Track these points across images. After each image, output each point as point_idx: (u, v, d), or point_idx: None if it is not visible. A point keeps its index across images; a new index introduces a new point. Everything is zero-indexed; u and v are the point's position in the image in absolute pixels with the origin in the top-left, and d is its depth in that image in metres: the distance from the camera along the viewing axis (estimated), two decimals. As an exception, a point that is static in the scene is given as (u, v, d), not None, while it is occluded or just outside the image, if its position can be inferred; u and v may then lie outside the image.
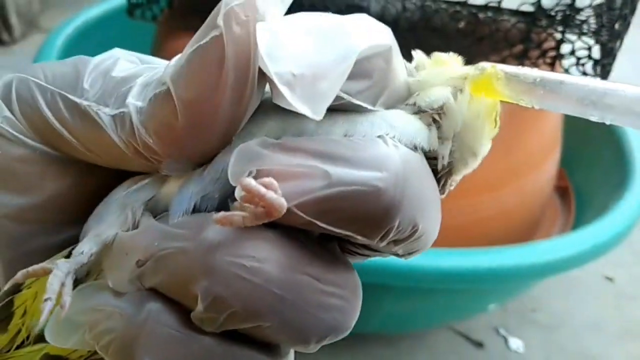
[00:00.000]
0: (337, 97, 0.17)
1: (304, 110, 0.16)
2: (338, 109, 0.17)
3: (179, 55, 0.17)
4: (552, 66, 0.70)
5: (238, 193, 0.16)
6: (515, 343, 0.99)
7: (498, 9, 0.71)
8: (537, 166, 0.92)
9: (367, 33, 0.17)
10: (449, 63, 0.19)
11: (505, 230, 0.89)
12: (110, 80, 0.18)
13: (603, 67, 0.68)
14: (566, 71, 0.76)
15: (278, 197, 0.16)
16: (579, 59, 0.70)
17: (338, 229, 0.16)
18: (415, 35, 0.71)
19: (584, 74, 0.70)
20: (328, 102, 0.16)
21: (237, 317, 0.16)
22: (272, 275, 0.16)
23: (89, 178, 0.20)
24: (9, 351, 0.20)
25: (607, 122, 0.17)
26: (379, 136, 0.17)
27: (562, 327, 1.04)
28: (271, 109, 0.17)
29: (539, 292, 1.07)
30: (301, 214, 0.16)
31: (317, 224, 0.16)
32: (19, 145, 0.19)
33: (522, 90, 0.18)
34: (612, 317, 1.07)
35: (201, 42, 0.16)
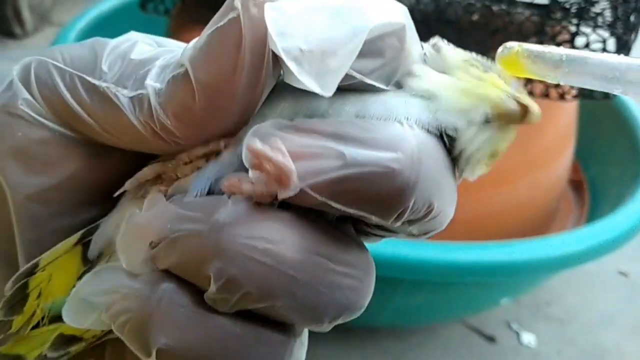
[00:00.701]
0: (349, 77, 0.17)
1: (312, 85, 0.16)
2: (350, 88, 0.17)
3: (197, 38, 0.17)
4: (566, 59, 0.69)
5: (246, 157, 0.16)
6: (528, 337, 0.99)
7: (512, 2, 0.70)
8: (552, 159, 0.91)
9: (380, 11, 0.17)
10: (485, 79, 0.19)
11: (519, 224, 0.89)
12: (128, 63, 0.18)
13: (619, 60, 0.67)
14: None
15: (286, 160, 0.16)
16: (593, 52, 0.69)
17: (352, 209, 0.16)
18: (428, 27, 0.70)
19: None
20: (338, 79, 0.16)
21: (250, 297, 0.16)
22: (286, 257, 0.16)
23: (108, 159, 0.20)
24: (24, 331, 0.21)
25: (631, 96, 0.18)
26: (393, 118, 0.17)
27: (575, 322, 1.03)
28: (285, 90, 0.18)
29: (551, 286, 1.06)
30: (315, 194, 0.16)
31: (331, 205, 0.16)
32: (38, 126, 0.19)
33: (548, 67, 0.18)
34: (625, 311, 1.06)
35: (219, 24, 0.17)
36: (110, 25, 1.18)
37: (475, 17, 0.71)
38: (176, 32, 0.94)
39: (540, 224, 0.95)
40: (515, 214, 0.88)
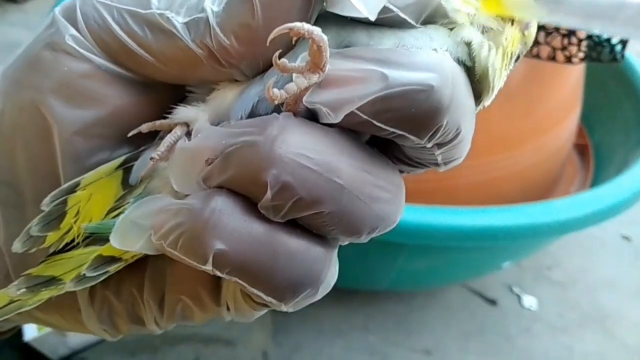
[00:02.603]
0: (386, 10, 0.18)
1: (360, 7, 0.18)
2: (385, 23, 0.19)
3: None
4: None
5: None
6: (529, 300, 1.00)
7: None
8: (557, 124, 0.91)
9: None
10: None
11: (524, 189, 0.89)
12: None
13: None
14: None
15: (318, 30, 0.17)
16: None
17: (392, 127, 0.18)
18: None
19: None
20: (380, 6, 0.18)
21: (302, 203, 0.17)
22: (333, 166, 0.17)
23: (149, 96, 0.21)
24: (59, 252, 0.21)
25: (608, 35, 0.18)
26: (428, 46, 0.19)
27: (577, 285, 1.04)
28: (328, 23, 0.19)
29: (554, 249, 1.07)
30: (359, 112, 0.17)
31: (374, 123, 0.17)
32: (84, 61, 0.20)
33: (527, 4, 0.19)
34: (627, 275, 1.07)
35: None
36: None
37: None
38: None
39: (545, 189, 0.95)
40: (520, 178, 0.87)
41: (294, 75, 0.18)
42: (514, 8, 0.20)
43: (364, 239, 0.19)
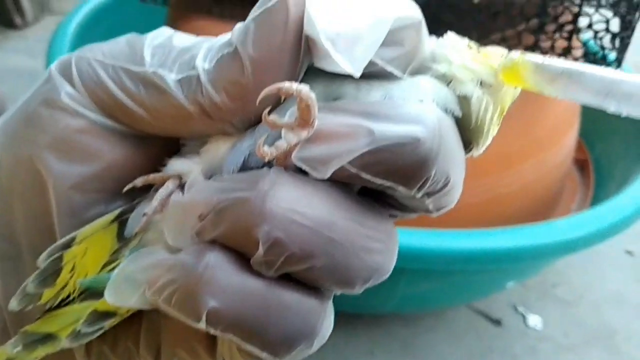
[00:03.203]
0: (372, 63, 0.18)
1: (345, 65, 0.18)
2: (372, 75, 0.19)
3: (241, 23, 0.19)
4: (569, 40, 0.68)
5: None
6: (534, 320, 0.99)
7: (513, -17, 0.69)
8: (556, 140, 0.91)
9: (401, 5, 0.19)
10: (486, 54, 0.21)
11: (525, 206, 0.88)
12: (171, 50, 0.20)
13: (622, 40, 0.66)
14: (584, 45, 0.74)
15: (306, 89, 0.17)
16: (596, 32, 0.68)
17: (381, 180, 0.18)
18: (429, 11, 0.69)
19: (602, 47, 0.68)
20: (366, 60, 0.18)
21: (294, 258, 0.17)
22: (324, 220, 0.17)
23: (143, 149, 0.21)
24: (55, 308, 0.21)
25: (624, 114, 0.18)
26: (414, 98, 0.19)
27: (582, 302, 1.04)
28: (316, 76, 0.19)
29: (558, 267, 1.06)
30: (348, 166, 0.17)
31: (362, 176, 0.18)
32: (80, 118, 0.20)
33: (546, 80, 0.19)
34: (633, 290, 1.07)
35: (267, 5, 0.18)
36: (109, 16, 1.18)
37: (476, 0, 0.70)
38: (175, 22, 0.93)
39: (546, 205, 0.95)
40: (521, 196, 0.87)
41: (284, 130, 0.18)
42: (534, 84, 0.20)
43: (358, 290, 0.19)
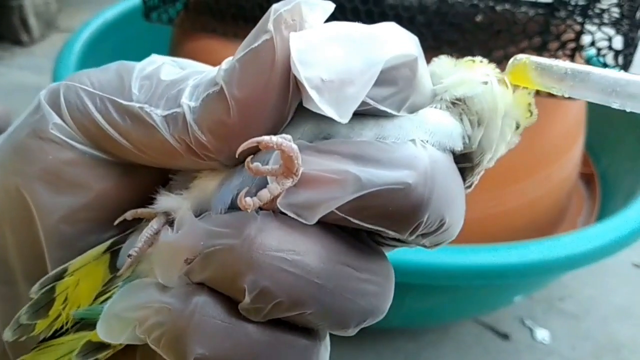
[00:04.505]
0: (364, 103, 0.18)
1: (330, 113, 0.17)
2: (366, 113, 0.18)
3: (229, 59, 0.19)
4: (572, 58, 0.68)
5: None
6: (542, 333, 0.99)
7: (516, 1, 0.70)
8: (562, 154, 0.91)
9: (395, 42, 0.18)
10: (473, 65, 0.21)
11: (532, 221, 0.88)
12: (158, 84, 0.20)
13: (625, 57, 0.66)
14: (587, 62, 0.75)
15: (287, 142, 0.17)
16: (599, 49, 0.68)
17: (370, 224, 0.17)
18: (431, 29, 0.70)
19: (605, 65, 0.68)
20: (354, 106, 0.17)
21: (282, 306, 0.17)
22: (313, 267, 0.17)
23: (133, 178, 0.21)
24: (49, 339, 0.21)
25: (628, 110, 0.19)
26: (407, 138, 0.18)
27: (589, 315, 1.03)
28: (307, 113, 0.18)
29: (565, 280, 1.06)
30: (336, 211, 0.17)
31: (351, 220, 0.17)
32: (68, 149, 0.20)
33: (554, 80, 0.19)
34: (639, 304, 1.06)
35: (253, 45, 0.18)
36: (115, 34, 1.19)
37: (478, 18, 0.71)
38: (180, 39, 0.94)
39: (552, 220, 0.95)
40: (527, 211, 0.87)
41: (268, 178, 0.18)
42: (541, 84, 0.20)
43: (352, 332, 0.18)
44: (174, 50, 0.97)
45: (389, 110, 0.18)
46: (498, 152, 0.20)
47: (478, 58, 0.21)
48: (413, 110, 0.19)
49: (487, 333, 0.98)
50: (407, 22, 0.71)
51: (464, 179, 0.20)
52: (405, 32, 0.19)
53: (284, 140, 0.17)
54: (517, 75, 0.20)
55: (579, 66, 0.19)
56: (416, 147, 0.18)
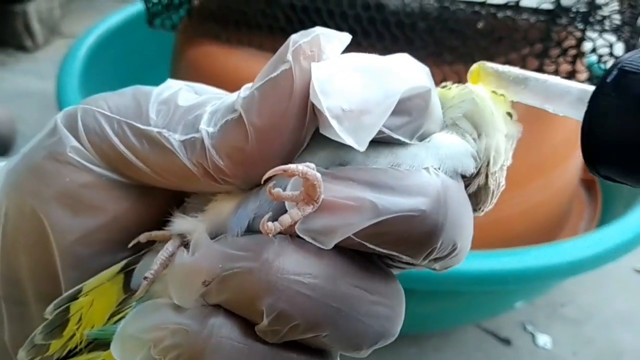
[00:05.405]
0: (379, 131, 0.18)
1: (349, 141, 0.18)
2: (381, 141, 0.19)
3: (247, 85, 0.19)
4: (573, 64, 0.69)
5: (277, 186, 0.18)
6: (543, 339, 0.99)
7: (517, 8, 0.70)
8: (562, 160, 0.91)
9: (409, 74, 0.19)
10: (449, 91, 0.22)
11: (533, 227, 0.88)
12: (176, 109, 0.20)
13: (626, 64, 0.66)
14: (589, 68, 0.75)
15: (312, 171, 0.18)
16: (600, 56, 0.69)
17: (385, 250, 0.18)
18: (433, 36, 0.70)
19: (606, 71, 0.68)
20: (371, 135, 0.18)
21: (298, 329, 0.17)
22: (328, 290, 0.17)
23: (149, 199, 0.21)
24: (63, 359, 0.21)
25: (560, 115, 0.19)
26: (420, 166, 0.19)
27: (591, 321, 1.03)
28: (323, 139, 0.19)
29: (566, 286, 1.06)
30: (352, 236, 0.18)
31: (367, 246, 0.18)
32: (85, 172, 0.20)
33: (503, 85, 0.21)
34: (641, 309, 1.06)
35: (272, 75, 0.19)
36: (118, 40, 1.19)
37: (480, 25, 0.71)
38: (183, 46, 0.95)
39: (553, 226, 0.95)
40: (529, 216, 0.87)
41: (288, 204, 0.18)
42: (496, 87, 0.21)
43: (364, 354, 0.19)
44: (177, 56, 0.97)
45: (402, 139, 0.19)
46: (500, 145, 0.21)
47: (450, 84, 0.22)
48: (424, 137, 0.20)
49: (488, 338, 0.98)
50: (409, 28, 0.71)
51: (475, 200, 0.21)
52: (418, 64, 0.20)
53: (308, 169, 0.18)
54: (474, 77, 0.21)
55: (521, 72, 0.20)
56: (429, 174, 0.18)
